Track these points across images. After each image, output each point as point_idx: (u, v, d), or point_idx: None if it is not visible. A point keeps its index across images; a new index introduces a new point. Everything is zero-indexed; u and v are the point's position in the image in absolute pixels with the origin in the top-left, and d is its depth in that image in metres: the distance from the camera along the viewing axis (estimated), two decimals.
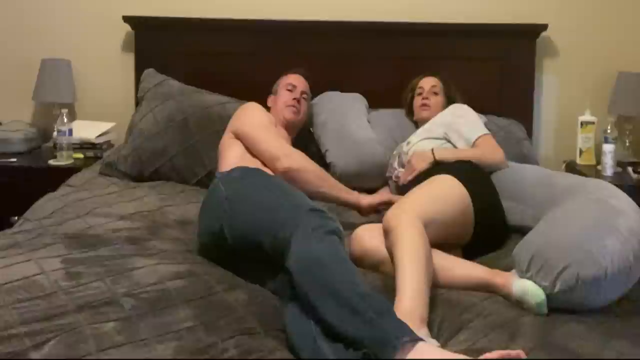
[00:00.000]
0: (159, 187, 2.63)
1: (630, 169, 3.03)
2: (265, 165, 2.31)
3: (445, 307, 1.71)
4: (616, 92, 3.20)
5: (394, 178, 2.63)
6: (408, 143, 2.61)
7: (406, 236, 1.79)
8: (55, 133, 3.02)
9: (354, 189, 2.42)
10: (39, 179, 2.87)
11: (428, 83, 2.79)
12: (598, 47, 3.27)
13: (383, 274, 1.90)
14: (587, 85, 3.29)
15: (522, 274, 1.77)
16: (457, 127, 2.51)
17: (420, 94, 2.79)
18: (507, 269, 1.87)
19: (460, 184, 2.11)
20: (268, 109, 2.64)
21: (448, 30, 3.17)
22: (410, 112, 2.89)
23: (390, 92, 3.01)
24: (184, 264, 1.82)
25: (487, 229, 2.12)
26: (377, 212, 2.32)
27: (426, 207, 1.96)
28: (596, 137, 3.18)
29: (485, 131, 2.50)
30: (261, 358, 1.42)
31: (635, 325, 1.64)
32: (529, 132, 3.15)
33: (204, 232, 2.00)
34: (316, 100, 2.97)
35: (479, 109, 2.69)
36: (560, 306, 1.69)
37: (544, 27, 3.16)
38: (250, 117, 2.46)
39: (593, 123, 3.18)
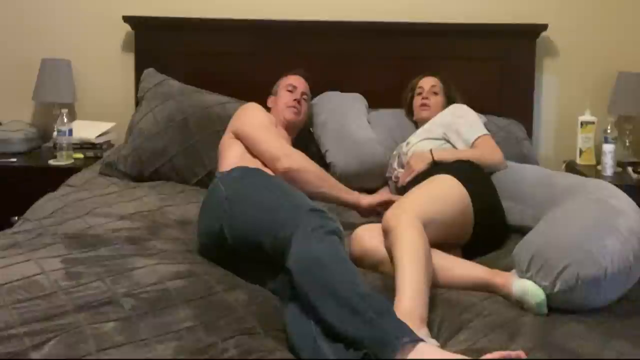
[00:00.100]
0: (159, 187, 2.63)
1: (630, 169, 3.03)
2: (265, 165, 2.31)
3: (445, 307, 1.71)
4: (616, 92, 3.20)
5: (393, 178, 2.63)
6: (408, 143, 2.61)
7: (405, 236, 1.79)
8: (55, 133, 3.02)
9: (354, 189, 2.41)
10: (39, 179, 2.86)
11: (428, 83, 2.79)
12: (598, 47, 3.27)
13: (383, 274, 1.90)
14: (587, 85, 3.29)
15: (522, 274, 1.77)
16: (456, 128, 2.51)
17: (420, 93, 2.79)
18: (507, 268, 1.88)
19: (459, 183, 2.11)
20: (268, 109, 2.64)
21: (448, 30, 3.17)
22: (410, 112, 2.89)
23: (390, 92, 3.01)
24: (184, 264, 1.82)
25: (486, 229, 2.12)
26: (377, 215, 2.32)
27: (425, 207, 1.96)
28: (596, 137, 3.18)
29: (485, 132, 2.50)
30: (261, 358, 1.42)
31: (635, 325, 1.64)
32: (529, 132, 3.15)
33: (203, 232, 2.00)
34: (316, 100, 2.97)
35: (479, 109, 2.69)
36: (560, 306, 1.69)
37: (544, 27, 3.16)
38: (250, 118, 2.46)
39: (593, 123, 3.18)
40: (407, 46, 3.17)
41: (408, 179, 2.37)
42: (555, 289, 1.68)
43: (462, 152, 2.43)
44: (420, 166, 2.36)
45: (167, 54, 3.18)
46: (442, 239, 1.97)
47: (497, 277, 1.83)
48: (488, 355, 1.36)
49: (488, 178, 2.29)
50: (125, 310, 1.54)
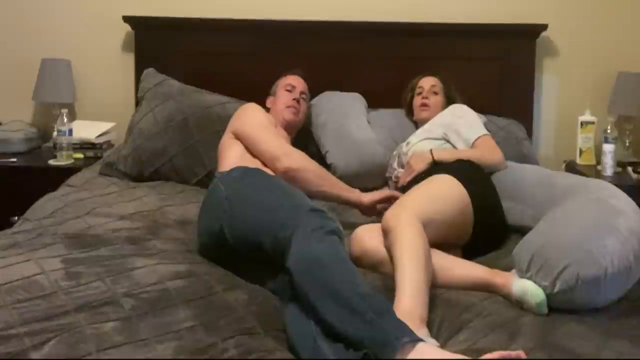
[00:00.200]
0: (159, 187, 2.63)
1: (630, 169, 3.03)
2: (265, 165, 2.31)
3: (445, 307, 1.71)
4: (616, 92, 3.20)
5: (393, 178, 2.63)
6: (408, 143, 2.61)
7: (405, 236, 1.79)
8: (55, 133, 3.02)
9: (354, 188, 2.41)
10: (39, 179, 2.86)
11: (428, 83, 2.79)
12: (598, 47, 3.27)
13: (383, 275, 1.90)
14: (587, 85, 3.29)
15: (522, 274, 1.77)
16: (456, 128, 2.51)
17: (420, 93, 2.79)
18: (507, 268, 1.87)
19: (459, 183, 2.11)
20: (267, 110, 2.64)
21: (448, 30, 3.17)
22: (410, 112, 2.89)
23: (390, 92, 3.01)
24: (184, 264, 1.82)
25: (486, 229, 2.12)
26: (378, 212, 2.31)
27: (425, 207, 1.96)
28: (596, 137, 3.18)
29: (485, 132, 2.50)
30: (261, 358, 1.42)
31: (635, 325, 1.64)
32: (529, 132, 3.15)
33: (203, 232, 2.00)
34: (315, 100, 2.97)
35: (479, 109, 2.69)
36: (560, 306, 1.69)
37: (544, 27, 3.16)
38: (250, 118, 2.46)
39: (593, 123, 3.18)
40: (407, 46, 3.17)
41: (408, 179, 2.37)
42: (556, 289, 1.68)
43: (462, 152, 2.43)
44: (420, 166, 2.36)
45: (167, 54, 3.19)
46: (442, 238, 1.97)
47: (497, 277, 1.83)
48: (488, 355, 1.36)
49: (488, 178, 2.29)
50: (125, 310, 1.53)
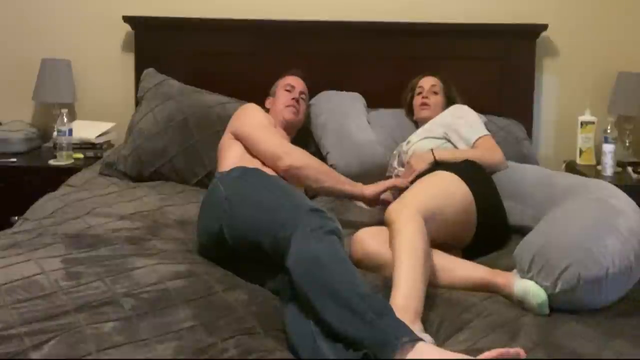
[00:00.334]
0: (159, 187, 2.63)
1: (630, 169, 3.03)
2: (265, 165, 2.31)
3: (445, 307, 1.71)
4: (616, 92, 3.20)
5: (394, 177, 2.63)
6: (408, 142, 2.61)
7: (405, 231, 1.79)
8: (55, 133, 3.02)
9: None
10: (39, 179, 2.86)
11: (428, 82, 2.79)
12: (598, 47, 3.27)
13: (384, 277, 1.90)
14: (587, 85, 3.29)
15: (523, 274, 1.77)
16: (456, 128, 2.51)
17: (420, 93, 2.79)
18: (508, 269, 1.87)
19: (462, 182, 2.11)
20: (266, 111, 2.64)
21: (448, 30, 3.17)
22: (410, 112, 2.89)
23: (390, 92, 3.01)
24: (184, 264, 1.82)
25: (488, 230, 2.11)
26: (383, 203, 2.32)
27: (428, 202, 1.95)
28: (596, 137, 3.18)
29: (486, 132, 2.50)
30: (261, 358, 1.42)
31: (635, 325, 1.64)
32: (529, 132, 3.15)
33: (203, 232, 2.00)
34: (315, 100, 2.97)
35: (479, 109, 2.69)
36: (561, 306, 1.69)
37: (544, 27, 3.16)
38: (249, 118, 2.46)
39: (593, 123, 3.18)
40: (407, 46, 3.17)
41: (409, 179, 2.36)
42: (557, 289, 1.68)
43: (463, 152, 2.43)
44: (421, 166, 2.36)
45: (167, 54, 3.19)
46: (445, 236, 1.97)
47: (498, 277, 1.83)
48: (486, 353, 1.36)
49: (490, 178, 2.29)
50: (125, 310, 1.53)
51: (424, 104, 2.75)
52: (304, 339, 1.48)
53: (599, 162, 3.12)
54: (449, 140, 2.51)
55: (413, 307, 1.60)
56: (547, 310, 1.68)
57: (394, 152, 2.72)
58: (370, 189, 2.35)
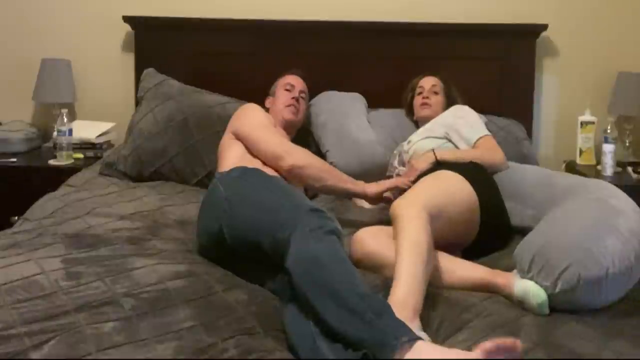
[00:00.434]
0: (159, 187, 2.63)
1: (630, 169, 3.03)
2: (265, 165, 2.31)
3: (445, 307, 1.71)
4: (616, 92, 3.20)
5: (394, 177, 2.63)
6: (409, 142, 2.61)
7: (410, 227, 1.79)
8: (55, 133, 3.02)
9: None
10: (39, 179, 2.86)
11: (428, 82, 2.79)
12: (598, 47, 3.27)
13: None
14: (587, 85, 3.29)
15: (524, 274, 1.77)
16: (457, 128, 2.51)
17: (420, 93, 2.79)
18: (508, 269, 1.87)
19: (466, 182, 2.11)
20: (266, 110, 2.64)
21: (448, 30, 3.17)
22: (410, 112, 2.89)
23: (390, 92, 3.01)
24: (184, 264, 1.82)
25: (491, 230, 2.11)
26: (385, 201, 2.33)
27: (433, 199, 1.95)
28: (596, 137, 3.18)
29: (486, 132, 2.50)
30: (261, 358, 1.42)
31: (635, 325, 1.64)
32: (529, 132, 3.15)
33: (203, 232, 2.00)
34: (315, 100, 2.97)
35: (479, 109, 2.69)
36: (561, 306, 1.69)
37: (544, 27, 3.16)
38: (250, 118, 2.46)
39: (593, 123, 3.18)
40: (407, 46, 3.17)
41: (411, 179, 2.36)
42: (557, 289, 1.68)
43: (464, 152, 2.43)
44: (423, 166, 2.36)
45: (167, 54, 3.19)
46: (447, 236, 1.97)
47: (498, 277, 1.83)
48: (482, 344, 1.33)
49: (492, 179, 2.29)
50: (125, 310, 1.53)
51: (424, 104, 2.75)
52: (304, 339, 1.48)
53: (599, 162, 3.11)
54: (449, 140, 2.51)
55: (412, 304, 1.60)
56: (547, 311, 1.68)
57: (395, 151, 2.72)
58: (372, 188, 2.35)
